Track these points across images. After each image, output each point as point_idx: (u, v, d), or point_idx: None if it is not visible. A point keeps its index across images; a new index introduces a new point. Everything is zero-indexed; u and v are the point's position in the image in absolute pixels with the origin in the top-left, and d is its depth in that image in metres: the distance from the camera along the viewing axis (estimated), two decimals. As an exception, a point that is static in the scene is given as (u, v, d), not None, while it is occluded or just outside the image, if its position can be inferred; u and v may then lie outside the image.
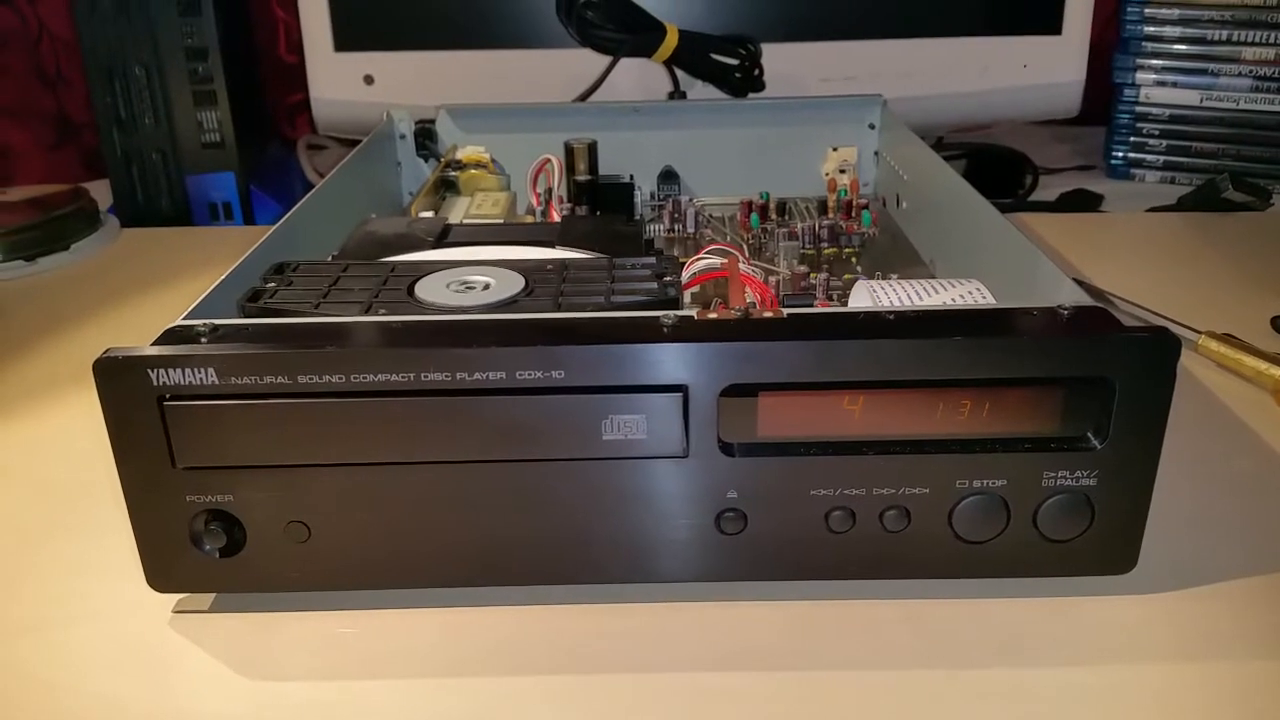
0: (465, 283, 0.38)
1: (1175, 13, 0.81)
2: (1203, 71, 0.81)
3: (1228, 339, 0.48)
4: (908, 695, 0.30)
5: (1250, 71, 0.80)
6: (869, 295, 0.37)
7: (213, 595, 0.35)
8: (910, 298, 0.36)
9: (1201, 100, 0.82)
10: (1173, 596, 0.34)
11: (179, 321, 0.33)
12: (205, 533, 0.32)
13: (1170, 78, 0.82)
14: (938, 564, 0.33)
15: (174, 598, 0.34)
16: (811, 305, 0.46)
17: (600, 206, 0.60)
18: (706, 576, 0.33)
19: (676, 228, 0.60)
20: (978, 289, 0.36)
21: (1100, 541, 0.33)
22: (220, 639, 0.33)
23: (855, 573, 0.33)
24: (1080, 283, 0.56)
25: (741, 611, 0.33)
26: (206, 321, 0.32)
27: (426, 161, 0.66)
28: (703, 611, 0.33)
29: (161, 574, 0.33)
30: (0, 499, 0.41)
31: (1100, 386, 0.31)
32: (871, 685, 0.30)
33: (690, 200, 0.62)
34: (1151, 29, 0.82)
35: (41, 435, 0.46)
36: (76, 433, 0.46)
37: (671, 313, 0.32)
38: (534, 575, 0.33)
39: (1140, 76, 0.83)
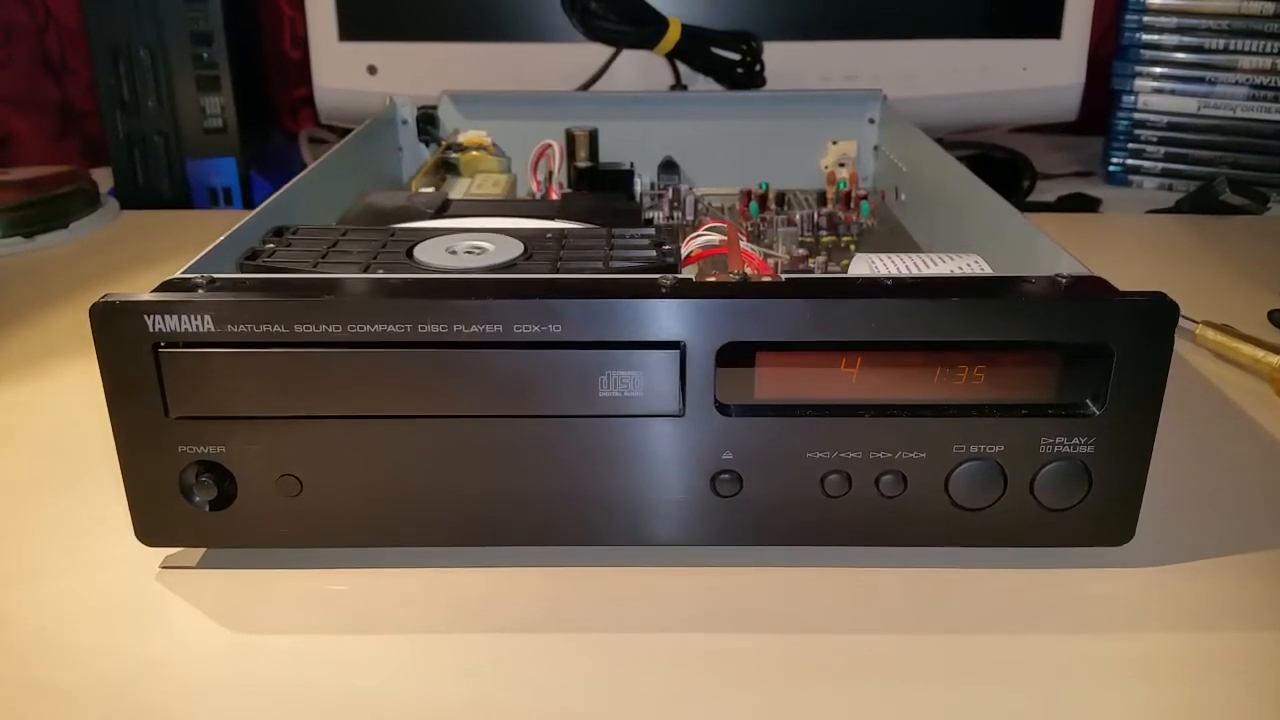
0: (464, 248, 0.37)
1: (1173, 21, 0.81)
2: (1200, 80, 0.82)
3: (1225, 329, 0.48)
4: (902, 661, 0.30)
5: (1247, 80, 0.80)
6: (868, 266, 0.37)
7: (201, 551, 0.34)
8: (909, 268, 0.36)
9: (1199, 108, 0.82)
10: (1168, 570, 0.33)
11: (177, 274, 0.33)
12: (196, 485, 0.32)
13: (1168, 85, 0.83)
14: (934, 532, 0.33)
15: (162, 553, 0.34)
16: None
17: (600, 193, 0.60)
18: (701, 541, 0.33)
19: (675, 215, 0.60)
20: (976, 261, 0.36)
21: (1097, 511, 0.32)
22: (208, 594, 0.33)
23: (851, 539, 0.33)
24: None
25: (736, 576, 0.33)
26: (204, 274, 0.32)
27: (428, 147, 0.66)
28: (697, 576, 0.33)
29: (151, 527, 0.33)
30: (-9, 459, 0.41)
31: (1098, 352, 0.31)
32: (865, 650, 0.30)
33: (690, 189, 0.62)
34: (1150, 37, 0.82)
35: (38, 400, 0.46)
36: (72, 398, 0.46)
37: (671, 275, 0.32)
38: (527, 536, 0.33)
39: (1139, 84, 0.83)
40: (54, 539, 0.35)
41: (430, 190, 0.52)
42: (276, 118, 1.00)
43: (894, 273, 0.36)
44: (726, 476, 0.32)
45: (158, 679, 0.29)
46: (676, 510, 0.33)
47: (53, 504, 0.38)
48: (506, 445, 0.32)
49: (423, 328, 0.30)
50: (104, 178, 0.78)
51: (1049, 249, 0.37)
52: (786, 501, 0.32)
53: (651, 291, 0.31)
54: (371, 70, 0.80)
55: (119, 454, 0.32)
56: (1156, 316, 0.30)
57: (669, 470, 0.32)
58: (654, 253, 0.37)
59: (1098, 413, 0.31)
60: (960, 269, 0.36)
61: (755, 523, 0.33)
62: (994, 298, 0.30)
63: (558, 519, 0.33)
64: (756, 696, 0.28)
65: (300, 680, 0.29)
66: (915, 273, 0.36)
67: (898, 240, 0.56)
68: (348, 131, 0.58)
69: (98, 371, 0.31)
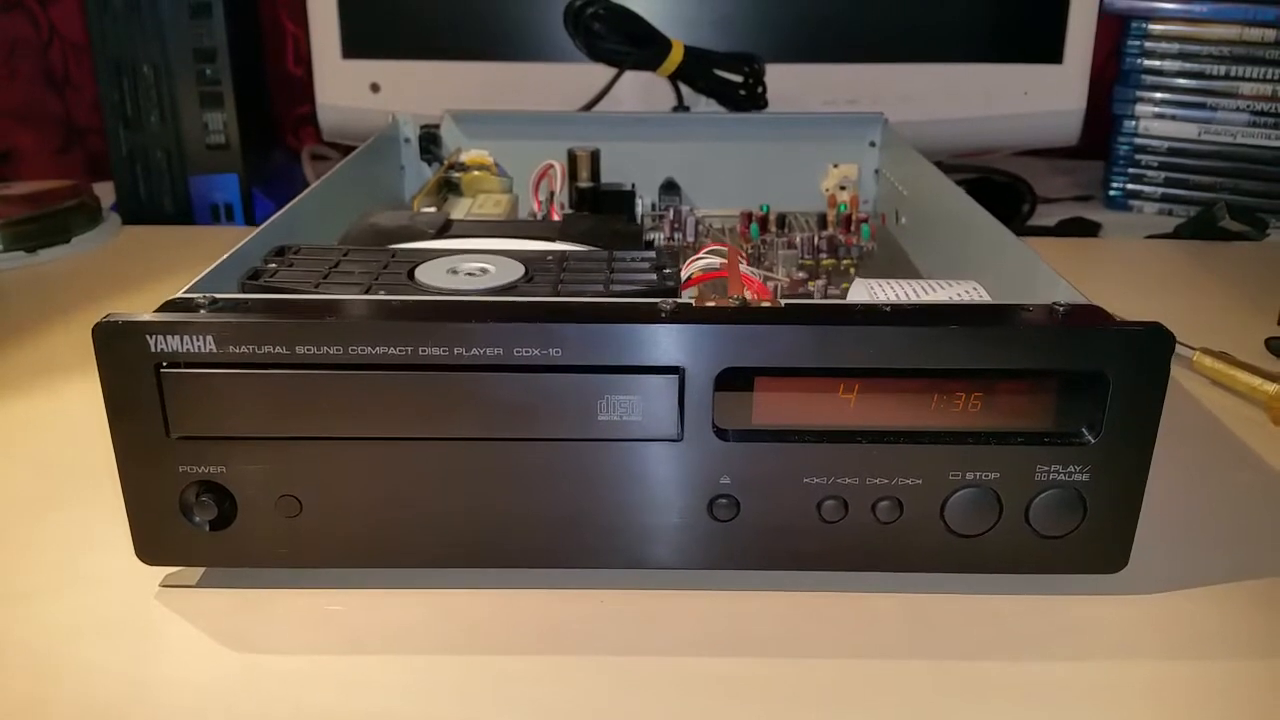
0: (465, 269, 0.38)
1: (1175, 47, 0.82)
2: (1201, 105, 0.82)
3: (1222, 356, 0.49)
4: (896, 686, 0.30)
5: (1248, 106, 0.81)
6: (866, 292, 0.37)
7: (201, 570, 0.34)
8: (908, 294, 0.36)
9: (1200, 134, 0.83)
10: (1162, 598, 0.33)
11: (179, 294, 0.33)
12: (196, 504, 0.32)
13: (1169, 111, 0.83)
14: (930, 557, 0.33)
15: (162, 572, 0.34)
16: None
17: (601, 213, 0.60)
18: (698, 564, 0.33)
19: (676, 236, 0.61)
20: (975, 288, 0.37)
21: (1092, 539, 0.33)
22: (206, 613, 0.33)
23: (847, 564, 0.33)
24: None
25: (732, 601, 0.33)
26: (206, 294, 0.32)
27: (430, 165, 0.66)
28: (694, 600, 0.33)
29: (150, 546, 0.33)
30: (-9, 475, 0.41)
31: (1094, 380, 0.31)
32: (860, 675, 0.30)
33: (690, 210, 0.62)
34: (1151, 62, 0.83)
35: (38, 416, 0.46)
36: (73, 414, 0.46)
37: (670, 300, 0.32)
38: (526, 559, 0.33)
39: (1140, 109, 0.84)
40: (53, 556, 0.35)
41: (432, 210, 0.53)
42: (279, 134, 1.00)
43: (893, 298, 0.36)
44: (724, 501, 0.32)
45: (155, 699, 0.29)
46: (674, 534, 0.33)
47: (52, 521, 0.38)
48: (505, 467, 0.32)
49: (423, 350, 0.30)
50: (106, 193, 0.78)
51: (1048, 276, 0.37)
52: (783, 526, 0.33)
53: (651, 316, 0.31)
54: (374, 88, 0.80)
55: (120, 473, 0.32)
56: (1153, 346, 0.30)
57: (667, 494, 0.32)
58: (654, 276, 0.38)
59: (1093, 441, 0.31)
60: (958, 295, 0.36)
61: (752, 547, 0.33)
62: (991, 326, 0.31)
63: (556, 541, 0.33)
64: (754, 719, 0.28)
65: (298, 702, 0.29)
66: (914, 299, 0.36)
67: (897, 264, 0.56)
68: (350, 149, 0.59)
69: (99, 388, 0.31)
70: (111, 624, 0.32)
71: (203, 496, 0.32)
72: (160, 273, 0.64)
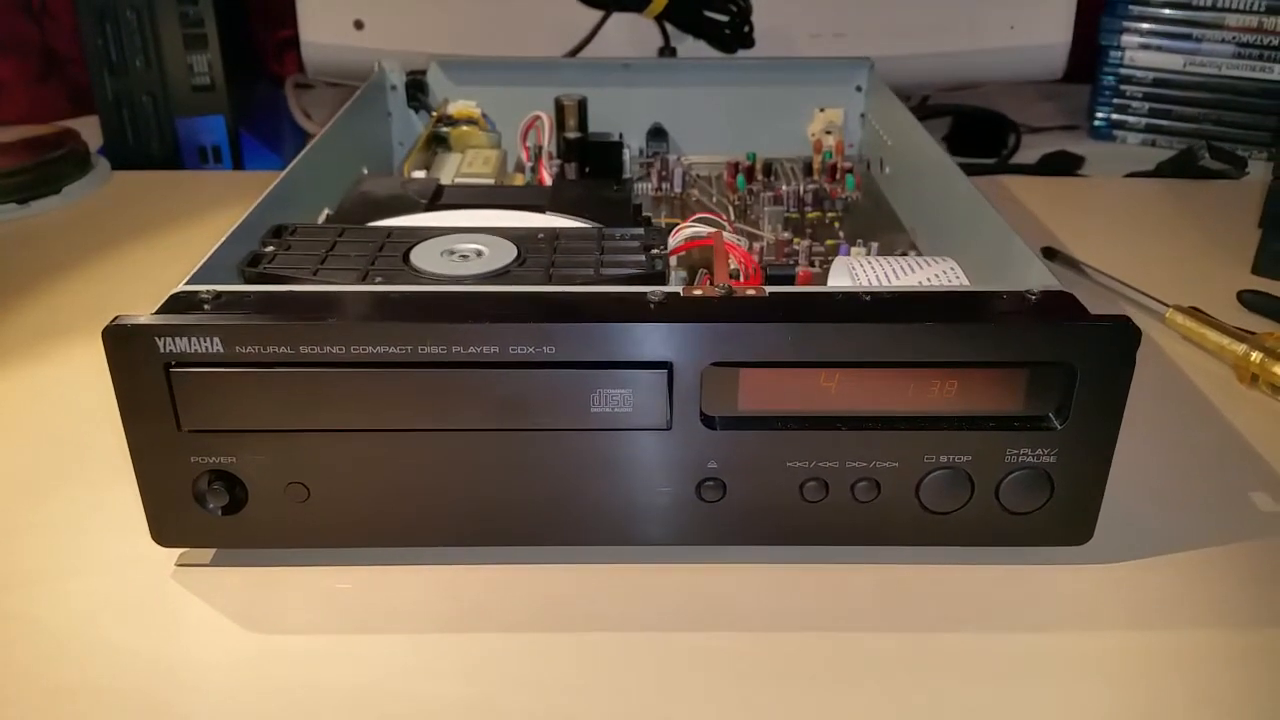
0: (459, 251, 0.39)
1: (1163, -24, 0.81)
2: (1187, 36, 0.82)
3: (1194, 313, 0.50)
4: (873, 655, 0.32)
5: (1233, 38, 0.81)
6: (847, 273, 0.38)
7: (214, 550, 0.36)
8: (887, 275, 0.38)
9: (1185, 65, 0.83)
10: (1127, 566, 0.36)
11: (182, 287, 0.34)
12: (209, 492, 0.34)
13: (1155, 41, 0.83)
14: (905, 533, 0.35)
15: (177, 551, 0.36)
16: (794, 270, 0.48)
17: (589, 164, 0.61)
18: (687, 541, 0.35)
19: (664, 187, 0.61)
20: (952, 269, 0.38)
21: (1059, 514, 0.35)
22: (221, 591, 0.35)
23: (826, 539, 0.35)
24: (1054, 252, 0.58)
25: (719, 574, 0.35)
26: (210, 288, 0.34)
27: (417, 113, 0.66)
28: (683, 573, 0.35)
29: (165, 529, 0.35)
30: (3, 450, 0.42)
31: (1063, 371, 0.32)
32: (839, 645, 0.32)
33: (678, 159, 0.63)
34: (1139, -8, 0.82)
35: (43, 385, 0.47)
36: (78, 383, 0.47)
37: (659, 289, 0.33)
38: (524, 537, 0.35)
39: (1126, 39, 0.84)
40: (66, 536, 0.37)
41: (422, 174, 0.53)
42: (262, 63, 0.99)
43: (872, 282, 0.37)
44: (711, 483, 0.34)
45: (170, 674, 0.31)
46: (664, 514, 0.35)
47: (64, 498, 0.39)
48: (503, 455, 0.34)
49: (422, 349, 0.32)
50: (90, 127, 0.78)
51: (1019, 247, 0.39)
52: (767, 506, 0.34)
53: (641, 311, 0.32)
54: (358, 25, 0.79)
55: (134, 464, 0.33)
56: (1118, 340, 0.32)
57: (657, 478, 0.34)
58: (643, 256, 0.39)
59: (1060, 426, 0.33)
60: (935, 277, 0.37)
61: (737, 525, 0.35)
62: (965, 321, 0.32)
63: (552, 522, 0.35)
64: (738, 693, 0.31)
65: (306, 678, 0.31)
66: (892, 282, 0.37)
67: (881, 216, 0.57)
68: (334, 85, 0.58)
69: (102, 349, 0.31)
70: (131, 604, 0.34)
71: (215, 484, 0.34)
72: (155, 224, 0.64)
